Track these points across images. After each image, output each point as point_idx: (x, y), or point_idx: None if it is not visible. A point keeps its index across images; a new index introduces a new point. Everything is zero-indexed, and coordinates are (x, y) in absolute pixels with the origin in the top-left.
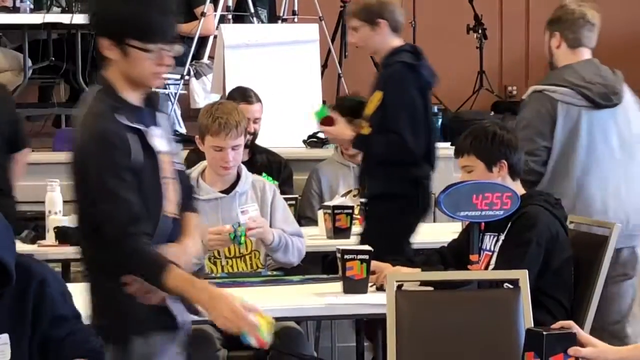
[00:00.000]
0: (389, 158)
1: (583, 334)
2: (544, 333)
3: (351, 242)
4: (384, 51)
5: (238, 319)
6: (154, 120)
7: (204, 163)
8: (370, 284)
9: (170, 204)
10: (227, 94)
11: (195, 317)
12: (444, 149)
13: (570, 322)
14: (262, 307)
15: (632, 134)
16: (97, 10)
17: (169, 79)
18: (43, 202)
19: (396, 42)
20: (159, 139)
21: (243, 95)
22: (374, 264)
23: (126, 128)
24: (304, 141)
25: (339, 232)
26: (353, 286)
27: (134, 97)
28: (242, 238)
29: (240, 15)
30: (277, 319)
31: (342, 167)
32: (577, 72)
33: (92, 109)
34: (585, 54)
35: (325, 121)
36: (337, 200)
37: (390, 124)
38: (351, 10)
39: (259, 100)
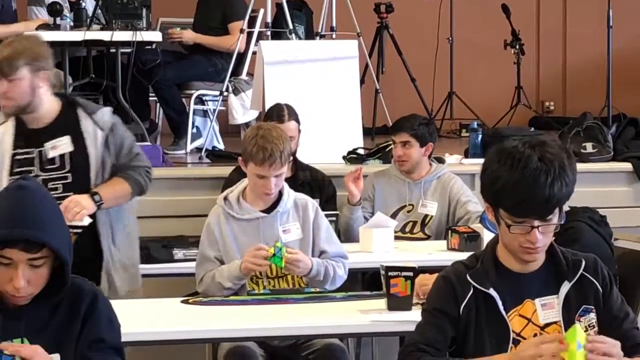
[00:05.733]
0: None
1: None
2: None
3: (393, 259)
4: None
5: None
6: None
7: (245, 182)
8: (415, 302)
9: None
10: (266, 110)
11: (241, 334)
12: None
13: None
14: (306, 324)
15: None
16: None
17: (207, 95)
18: None
19: None
20: None
21: (277, 113)
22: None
23: None
24: (344, 157)
25: None
26: (397, 303)
27: None
28: (282, 253)
29: (277, 31)
30: (321, 336)
31: (397, 180)
32: None
33: None
34: None
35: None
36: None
37: None
38: None
39: (293, 119)
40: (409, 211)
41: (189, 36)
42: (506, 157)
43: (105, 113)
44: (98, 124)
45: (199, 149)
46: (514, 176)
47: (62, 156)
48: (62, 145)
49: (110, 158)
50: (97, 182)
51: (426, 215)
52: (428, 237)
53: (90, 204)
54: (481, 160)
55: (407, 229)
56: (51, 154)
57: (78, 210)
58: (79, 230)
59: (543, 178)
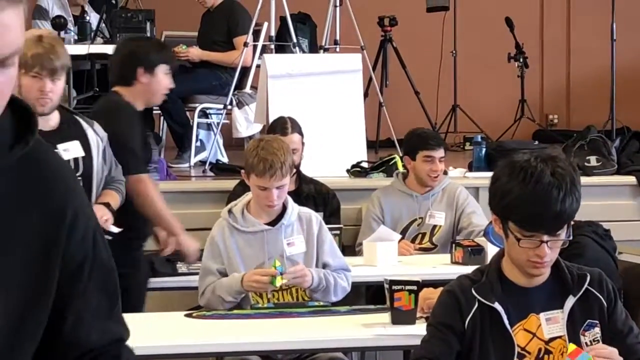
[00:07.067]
0: None
1: None
2: None
3: (398, 274)
4: None
5: None
6: None
7: (249, 195)
8: (418, 316)
9: None
10: (270, 123)
11: (245, 348)
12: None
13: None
14: (310, 338)
15: None
16: None
17: (211, 108)
18: None
19: None
20: None
21: (280, 126)
22: (426, 291)
23: None
24: (348, 170)
25: None
26: (401, 317)
27: None
28: (278, 279)
29: (281, 45)
30: (325, 350)
31: (404, 195)
32: None
33: None
34: None
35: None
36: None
37: None
38: None
39: (297, 131)
40: (419, 224)
41: (196, 54)
42: (518, 171)
43: (100, 125)
44: (99, 134)
45: (202, 162)
46: (526, 190)
47: (75, 160)
48: (74, 149)
49: (105, 169)
50: (97, 191)
51: (435, 226)
52: (435, 247)
53: (109, 214)
54: (485, 174)
55: (417, 241)
56: (65, 156)
57: (106, 218)
58: (110, 238)
59: (555, 193)
